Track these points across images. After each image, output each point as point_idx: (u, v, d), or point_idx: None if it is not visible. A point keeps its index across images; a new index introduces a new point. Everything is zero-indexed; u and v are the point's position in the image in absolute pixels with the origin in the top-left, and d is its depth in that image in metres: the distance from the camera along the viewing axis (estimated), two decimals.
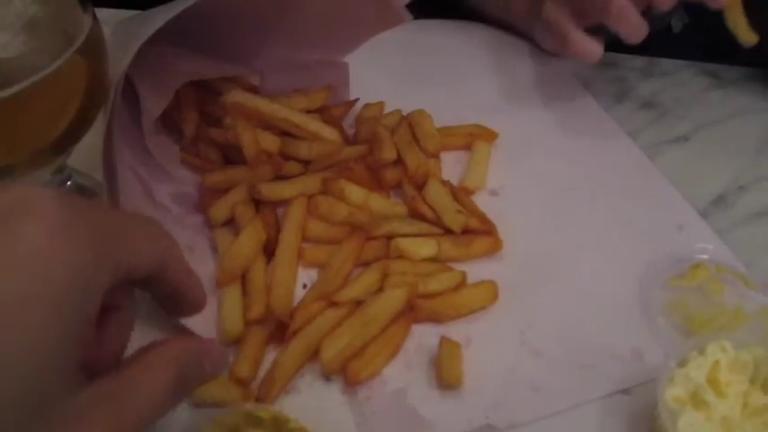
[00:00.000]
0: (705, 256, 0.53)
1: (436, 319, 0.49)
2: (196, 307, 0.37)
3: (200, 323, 0.45)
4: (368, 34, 0.61)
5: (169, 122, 0.59)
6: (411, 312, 0.48)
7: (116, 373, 0.31)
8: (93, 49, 0.46)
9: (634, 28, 0.59)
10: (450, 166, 0.60)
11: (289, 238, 0.52)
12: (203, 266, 0.51)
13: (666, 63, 0.73)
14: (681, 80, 0.72)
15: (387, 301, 0.47)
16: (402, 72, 0.69)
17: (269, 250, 0.51)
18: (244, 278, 0.50)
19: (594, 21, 0.61)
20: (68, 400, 0.28)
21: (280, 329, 0.47)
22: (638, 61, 0.73)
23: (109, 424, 0.29)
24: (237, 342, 0.46)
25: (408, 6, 0.57)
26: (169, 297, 0.36)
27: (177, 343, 0.34)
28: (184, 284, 0.36)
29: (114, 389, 0.30)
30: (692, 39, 0.79)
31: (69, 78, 0.44)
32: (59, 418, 0.27)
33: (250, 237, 0.50)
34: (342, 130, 0.60)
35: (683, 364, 0.43)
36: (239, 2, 0.57)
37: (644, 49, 0.72)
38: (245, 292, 0.49)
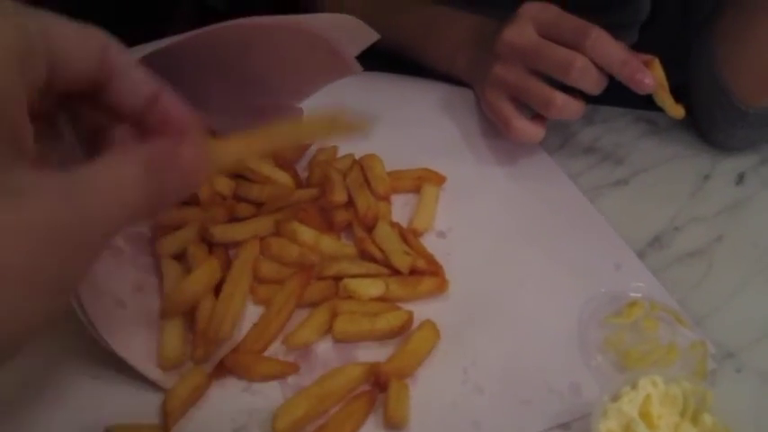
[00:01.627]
0: (640, 295, 0.56)
1: (402, 376, 0.49)
2: (177, 123, 0.32)
3: (138, 352, 0.47)
4: (321, 83, 0.63)
5: None
6: (375, 389, 0.48)
7: (68, 172, 0.26)
8: None
9: (596, 83, 0.62)
10: (400, 208, 0.62)
11: (235, 275, 0.53)
12: (151, 305, 0.52)
13: (606, 110, 0.77)
14: (620, 127, 0.76)
15: (346, 377, 0.48)
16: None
17: (219, 290, 0.53)
18: (190, 312, 0.51)
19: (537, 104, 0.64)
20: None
21: (221, 366, 0.48)
22: None
23: (60, 207, 0.24)
24: (176, 369, 0.48)
25: (359, 59, 0.59)
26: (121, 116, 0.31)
27: (144, 145, 0.29)
28: (139, 89, 0.31)
29: (68, 180, 0.26)
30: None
31: None
32: None
33: (203, 274, 0.51)
34: (295, 173, 0.62)
35: (615, 398, 0.45)
36: (197, 51, 0.59)
37: (586, 96, 0.76)
38: (190, 327, 0.50)
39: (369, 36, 0.58)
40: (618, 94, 0.73)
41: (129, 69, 0.30)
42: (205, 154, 0.31)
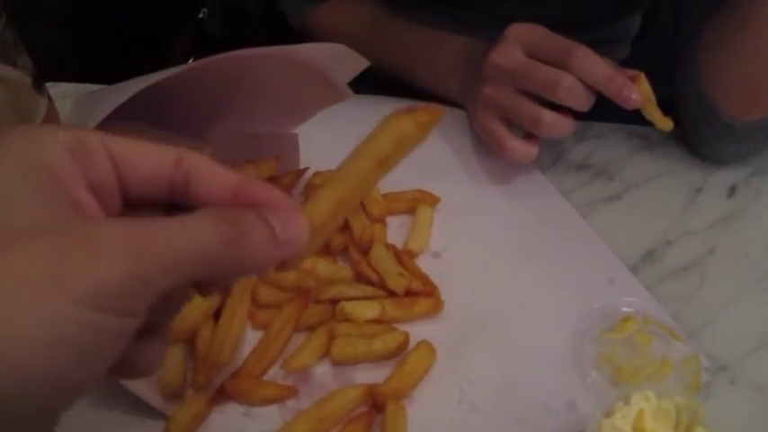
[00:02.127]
0: (633, 310, 0.57)
1: (399, 397, 0.50)
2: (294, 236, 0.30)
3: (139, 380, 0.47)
4: (315, 109, 0.65)
5: None
6: (373, 410, 0.49)
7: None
8: None
9: (584, 100, 0.63)
10: (395, 229, 0.63)
11: (233, 301, 0.54)
12: None
13: (598, 126, 0.78)
14: (612, 142, 0.77)
15: (345, 399, 0.49)
16: (350, 141, 0.72)
17: (218, 316, 0.54)
18: (190, 339, 0.52)
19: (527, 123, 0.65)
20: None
21: (221, 391, 0.49)
22: None
23: (126, 248, 0.24)
24: (177, 396, 0.48)
25: (352, 83, 0.61)
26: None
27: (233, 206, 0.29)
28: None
29: (142, 225, 0.26)
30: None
31: None
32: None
33: (202, 301, 0.52)
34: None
35: (609, 414, 0.45)
36: (194, 81, 0.61)
37: (576, 112, 0.77)
38: (190, 354, 0.51)
39: (359, 63, 0.59)
40: (609, 110, 0.74)
41: (207, 170, 0.30)
42: (302, 224, 0.29)
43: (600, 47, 0.63)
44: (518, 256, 0.62)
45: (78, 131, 0.28)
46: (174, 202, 0.30)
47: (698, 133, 0.72)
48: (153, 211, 0.31)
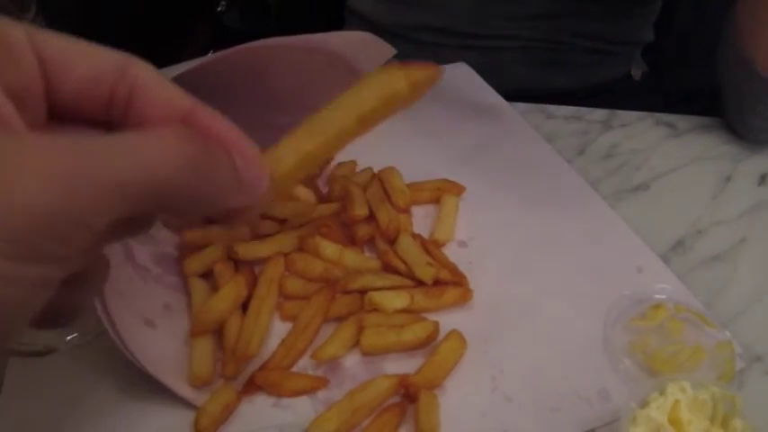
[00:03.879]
0: (664, 296, 0.56)
1: (431, 387, 0.49)
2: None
3: (168, 370, 0.48)
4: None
5: None
6: (405, 400, 0.48)
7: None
8: None
9: None
10: (420, 219, 0.63)
11: (261, 293, 0.54)
12: (179, 323, 0.53)
13: (625, 115, 0.77)
14: (639, 131, 0.76)
15: (377, 390, 0.48)
16: (372, 131, 0.72)
17: (246, 307, 0.53)
18: (219, 330, 0.52)
19: None
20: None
21: (250, 382, 0.49)
22: (599, 114, 0.77)
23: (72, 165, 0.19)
24: (206, 387, 0.48)
25: None
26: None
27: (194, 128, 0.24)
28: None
29: (74, 143, 0.20)
30: (649, 87, 0.84)
31: None
32: None
33: (230, 292, 0.52)
34: (316, 189, 0.62)
35: (644, 405, 0.45)
36: (218, 74, 0.60)
37: (605, 100, 0.76)
38: (219, 345, 0.50)
39: (386, 51, 0.58)
40: (638, 97, 0.74)
41: (156, 86, 0.26)
42: (263, 170, 0.26)
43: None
44: (545, 245, 0.61)
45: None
46: (109, 121, 0.25)
47: (737, 99, 0.71)
48: (84, 130, 0.25)
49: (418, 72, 0.32)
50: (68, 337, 0.52)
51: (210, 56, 0.54)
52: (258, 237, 0.58)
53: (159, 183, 0.21)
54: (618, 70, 0.89)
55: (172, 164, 0.21)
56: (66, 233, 0.19)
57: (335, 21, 0.97)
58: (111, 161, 0.20)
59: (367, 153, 0.67)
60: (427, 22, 0.85)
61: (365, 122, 0.32)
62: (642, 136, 0.75)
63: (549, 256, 0.60)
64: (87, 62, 0.24)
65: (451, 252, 0.59)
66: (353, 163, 0.66)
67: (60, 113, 0.24)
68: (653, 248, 0.61)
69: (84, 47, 0.24)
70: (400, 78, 0.32)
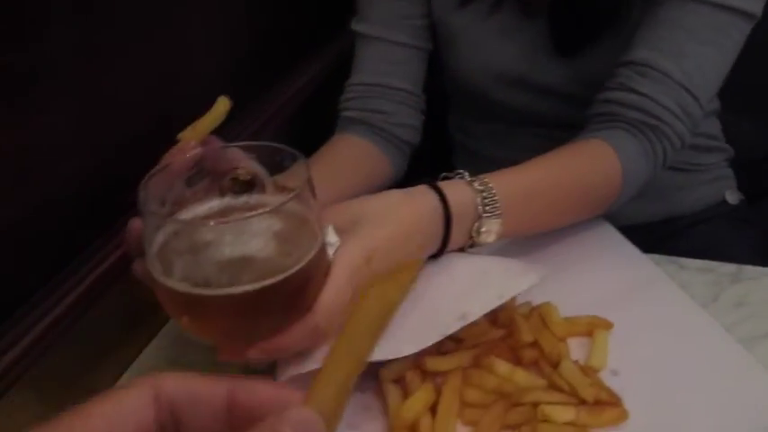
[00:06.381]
0: None
1: None
2: None
3: None
4: None
5: None
6: None
7: None
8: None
9: None
10: (575, 348, 0.72)
11: (447, 399, 0.64)
12: (377, 422, 0.64)
13: (752, 270, 0.85)
14: (766, 285, 0.84)
15: None
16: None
17: (433, 411, 0.64)
18: (412, 428, 0.62)
19: None
20: None
21: None
22: (728, 268, 0.86)
23: None
24: None
25: None
26: None
27: None
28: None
29: None
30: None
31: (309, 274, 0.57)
32: None
33: (423, 396, 0.63)
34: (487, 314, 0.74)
35: None
36: None
37: (731, 257, 0.85)
38: None
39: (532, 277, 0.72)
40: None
41: (188, 395, 0.29)
42: (313, 419, 0.27)
43: None
44: (686, 380, 0.69)
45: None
46: None
47: None
48: None
49: (405, 275, 0.41)
50: None
51: None
52: (440, 353, 0.69)
53: None
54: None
55: None
56: None
57: None
58: None
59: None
60: None
61: (376, 337, 0.40)
62: None
63: (689, 390, 0.67)
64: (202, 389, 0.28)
65: (605, 379, 0.68)
66: (513, 299, 0.78)
67: None
68: None
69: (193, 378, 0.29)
70: (395, 290, 0.40)
